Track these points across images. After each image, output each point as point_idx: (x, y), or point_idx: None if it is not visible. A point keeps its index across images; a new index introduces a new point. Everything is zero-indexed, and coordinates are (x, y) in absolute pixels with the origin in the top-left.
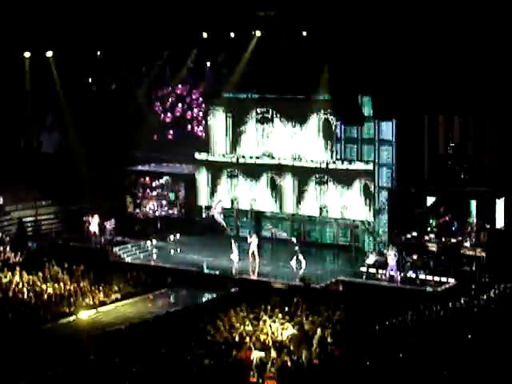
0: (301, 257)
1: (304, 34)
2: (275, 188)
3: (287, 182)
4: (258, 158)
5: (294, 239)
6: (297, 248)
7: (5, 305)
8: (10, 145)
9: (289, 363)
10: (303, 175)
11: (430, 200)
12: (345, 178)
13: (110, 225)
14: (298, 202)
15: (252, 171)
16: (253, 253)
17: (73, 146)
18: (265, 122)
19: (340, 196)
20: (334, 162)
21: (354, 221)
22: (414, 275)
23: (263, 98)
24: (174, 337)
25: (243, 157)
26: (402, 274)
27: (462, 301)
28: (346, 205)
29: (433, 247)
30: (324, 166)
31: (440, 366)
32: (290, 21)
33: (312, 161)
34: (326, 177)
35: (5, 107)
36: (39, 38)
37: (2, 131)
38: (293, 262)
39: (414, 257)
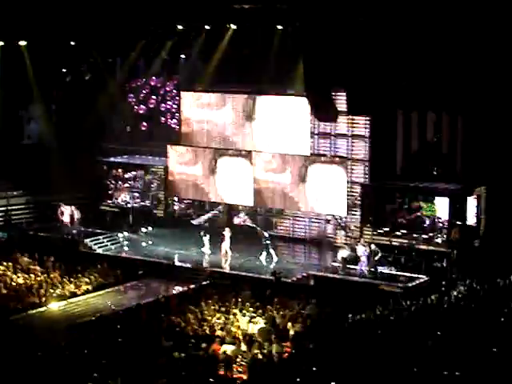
0: (272, 251)
1: (279, 27)
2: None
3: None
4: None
5: (265, 233)
6: (268, 242)
7: None
8: None
9: (259, 356)
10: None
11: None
12: (319, 173)
13: (77, 215)
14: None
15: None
16: (225, 247)
17: (46, 137)
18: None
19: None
20: (308, 156)
21: (326, 215)
22: (385, 271)
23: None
24: (143, 329)
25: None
26: (373, 269)
27: (433, 297)
28: (319, 198)
29: (404, 243)
30: (300, 160)
31: (409, 362)
32: (266, 14)
33: (287, 154)
34: (301, 170)
35: None
36: (12, 27)
37: None
38: (262, 257)
39: (385, 253)
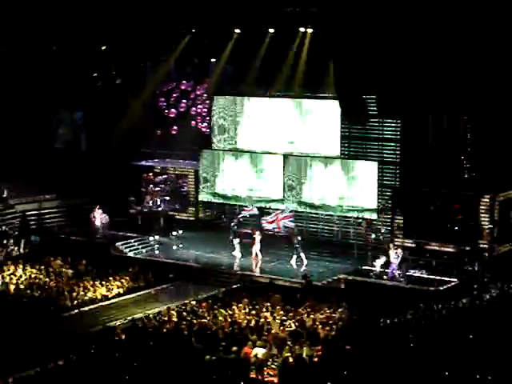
0: (302, 254)
1: (309, 31)
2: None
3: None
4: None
5: (298, 237)
6: (298, 245)
7: (7, 299)
8: (19, 139)
9: (290, 360)
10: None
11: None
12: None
13: (108, 219)
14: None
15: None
16: (255, 250)
17: (77, 141)
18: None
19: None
20: (340, 159)
21: (357, 218)
22: (416, 274)
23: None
24: (174, 332)
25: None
26: (405, 273)
27: (464, 300)
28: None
29: (435, 247)
30: (331, 161)
31: (441, 365)
32: (297, 18)
33: (320, 156)
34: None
35: (15, 101)
36: (45, 32)
37: (10, 126)
38: (293, 261)
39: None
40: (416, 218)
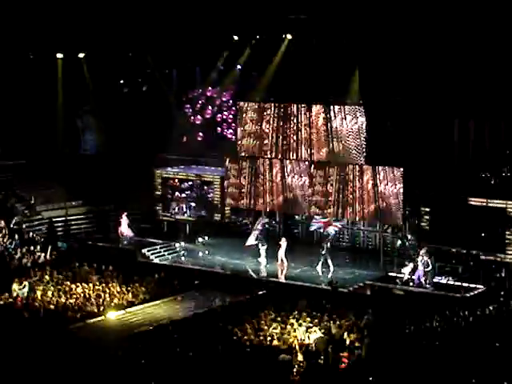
0: (329, 261)
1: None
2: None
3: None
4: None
5: (327, 244)
6: (324, 252)
7: (34, 304)
8: (45, 146)
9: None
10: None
11: None
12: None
13: (134, 225)
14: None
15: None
16: (281, 256)
17: (103, 147)
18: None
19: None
20: (364, 164)
21: (383, 224)
22: (443, 281)
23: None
24: (200, 339)
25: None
26: (430, 280)
27: (491, 307)
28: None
29: (462, 253)
30: (357, 168)
31: (468, 373)
32: (321, 24)
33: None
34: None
35: (38, 108)
36: (71, 40)
37: (37, 132)
38: (319, 267)
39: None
40: (442, 224)
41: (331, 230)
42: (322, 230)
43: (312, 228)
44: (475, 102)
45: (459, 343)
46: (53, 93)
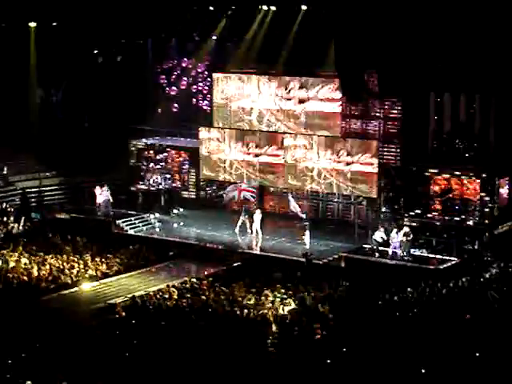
0: (307, 232)
1: (303, 7)
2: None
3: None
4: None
5: (303, 215)
6: (307, 223)
7: (7, 275)
8: (18, 116)
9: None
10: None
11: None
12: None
13: (109, 196)
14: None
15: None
16: (256, 228)
17: (79, 118)
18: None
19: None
20: (339, 138)
21: (358, 197)
22: (417, 253)
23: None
24: (174, 309)
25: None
26: (405, 252)
27: (464, 279)
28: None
29: (436, 225)
30: (332, 141)
31: (440, 343)
32: None
33: (319, 135)
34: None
35: (11, 78)
36: (45, 9)
37: (10, 102)
38: (306, 238)
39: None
40: (415, 197)
41: (247, 195)
42: (236, 197)
43: (227, 197)
44: (451, 74)
45: (432, 315)
46: (25, 62)
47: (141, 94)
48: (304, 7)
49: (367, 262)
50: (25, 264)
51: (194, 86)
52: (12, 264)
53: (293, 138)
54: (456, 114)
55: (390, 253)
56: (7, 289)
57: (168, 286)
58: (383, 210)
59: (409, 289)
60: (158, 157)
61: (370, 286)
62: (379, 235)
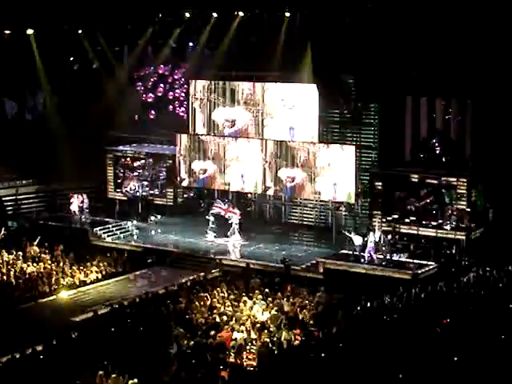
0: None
1: (287, 14)
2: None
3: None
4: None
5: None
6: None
7: None
8: None
9: (269, 344)
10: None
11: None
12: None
13: (86, 204)
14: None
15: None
16: (234, 231)
17: (54, 125)
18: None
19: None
20: (317, 143)
21: (336, 202)
22: (394, 258)
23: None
24: (153, 317)
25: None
26: (382, 257)
27: (442, 284)
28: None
29: (413, 230)
30: (309, 147)
31: (418, 349)
32: (273, 1)
33: (296, 141)
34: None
35: None
36: (20, 16)
37: None
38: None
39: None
40: (392, 203)
41: (233, 217)
42: (222, 215)
43: (212, 211)
44: (427, 79)
45: (410, 320)
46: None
47: (117, 101)
48: (287, 14)
49: (345, 267)
50: (1, 273)
51: (171, 93)
52: None
53: (270, 143)
54: (432, 119)
55: (367, 257)
56: None
57: (147, 293)
58: (360, 215)
59: (386, 294)
60: (135, 164)
61: (348, 291)
62: (358, 240)
